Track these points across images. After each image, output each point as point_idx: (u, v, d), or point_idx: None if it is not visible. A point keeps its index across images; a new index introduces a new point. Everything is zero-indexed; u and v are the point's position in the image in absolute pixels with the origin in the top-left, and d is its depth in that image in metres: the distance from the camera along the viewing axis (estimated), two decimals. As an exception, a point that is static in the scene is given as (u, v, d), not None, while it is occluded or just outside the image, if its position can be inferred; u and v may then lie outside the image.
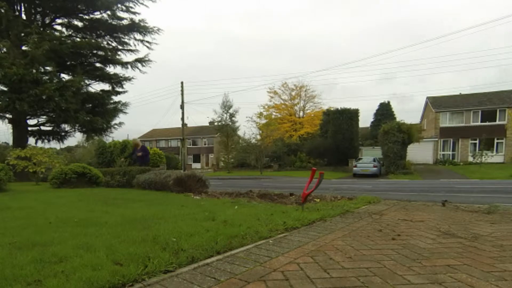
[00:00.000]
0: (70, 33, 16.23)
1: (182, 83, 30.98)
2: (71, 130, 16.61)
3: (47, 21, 15.83)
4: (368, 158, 23.31)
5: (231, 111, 30.60)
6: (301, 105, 39.60)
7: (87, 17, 15.91)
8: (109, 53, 15.88)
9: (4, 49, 12.71)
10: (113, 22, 15.79)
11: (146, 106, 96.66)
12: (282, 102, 39.33)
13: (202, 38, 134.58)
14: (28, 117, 14.93)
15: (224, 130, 31.18)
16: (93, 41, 15.26)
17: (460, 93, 32.04)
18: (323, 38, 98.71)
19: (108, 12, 15.57)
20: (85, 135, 16.93)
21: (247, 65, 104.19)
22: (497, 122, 27.01)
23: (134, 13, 15.89)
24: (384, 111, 38.41)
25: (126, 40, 16.49)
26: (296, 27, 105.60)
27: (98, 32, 16.21)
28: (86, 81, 15.86)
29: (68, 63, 15.61)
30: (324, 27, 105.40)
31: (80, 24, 16.02)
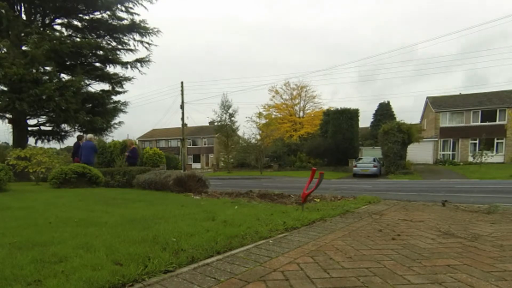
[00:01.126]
0: (70, 33, 16.21)
1: (182, 83, 31.02)
2: (71, 130, 16.57)
3: (47, 21, 15.81)
4: (368, 158, 23.32)
5: (230, 111, 30.65)
6: (302, 105, 39.70)
7: (87, 17, 15.89)
8: (109, 53, 15.87)
9: (4, 49, 12.69)
10: (113, 23, 15.79)
11: (147, 105, 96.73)
12: (283, 101, 39.43)
13: (203, 35, 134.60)
14: (28, 117, 14.90)
15: (223, 130, 31.19)
16: (93, 41, 15.25)
17: (460, 93, 32.09)
18: (324, 35, 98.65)
19: (108, 12, 15.58)
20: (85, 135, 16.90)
21: (248, 63, 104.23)
22: (497, 122, 27.01)
23: (133, 13, 15.91)
24: (384, 111, 38.45)
25: (125, 40, 16.50)
26: (310, 18, 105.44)
27: (98, 32, 16.19)
28: (86, 81, 15.83)
29: (68, 63, 15.59)
30: (323, 23, 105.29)
31: (80, 24, 15.98)
